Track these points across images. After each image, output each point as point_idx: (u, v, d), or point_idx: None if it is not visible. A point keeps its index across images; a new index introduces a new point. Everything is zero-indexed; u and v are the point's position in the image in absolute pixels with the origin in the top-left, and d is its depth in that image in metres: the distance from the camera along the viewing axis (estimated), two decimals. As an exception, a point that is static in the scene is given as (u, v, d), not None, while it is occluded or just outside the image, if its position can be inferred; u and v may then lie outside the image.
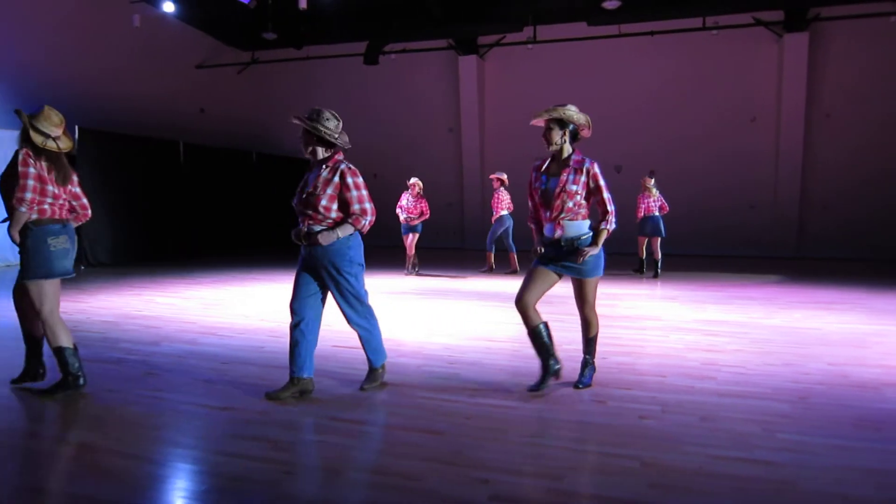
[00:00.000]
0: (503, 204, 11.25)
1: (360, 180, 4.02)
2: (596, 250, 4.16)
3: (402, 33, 15.53)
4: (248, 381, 4.55)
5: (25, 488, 2.90)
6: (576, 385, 4.38)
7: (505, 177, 11.39)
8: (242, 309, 7.60)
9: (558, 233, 4.20)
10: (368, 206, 4.00)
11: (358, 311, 4.21)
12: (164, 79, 16.05)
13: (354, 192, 3.97)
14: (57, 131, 4.26)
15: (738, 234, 15.55)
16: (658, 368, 4.92)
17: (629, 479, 2.98)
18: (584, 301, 4.40)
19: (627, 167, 16.26)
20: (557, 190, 4.17)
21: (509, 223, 11.29)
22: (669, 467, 3.10)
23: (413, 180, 10.95)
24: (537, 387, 4.29)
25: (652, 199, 11.11)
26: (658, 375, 4.72)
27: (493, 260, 11.67)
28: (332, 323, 6.68)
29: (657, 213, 11.07)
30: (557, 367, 4.36)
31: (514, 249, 11.43)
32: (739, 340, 5.93)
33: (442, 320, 6.98)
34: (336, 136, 4.05)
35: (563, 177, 4.18)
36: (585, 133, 4.26)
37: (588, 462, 3.17)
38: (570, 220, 4.18)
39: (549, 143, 4.22)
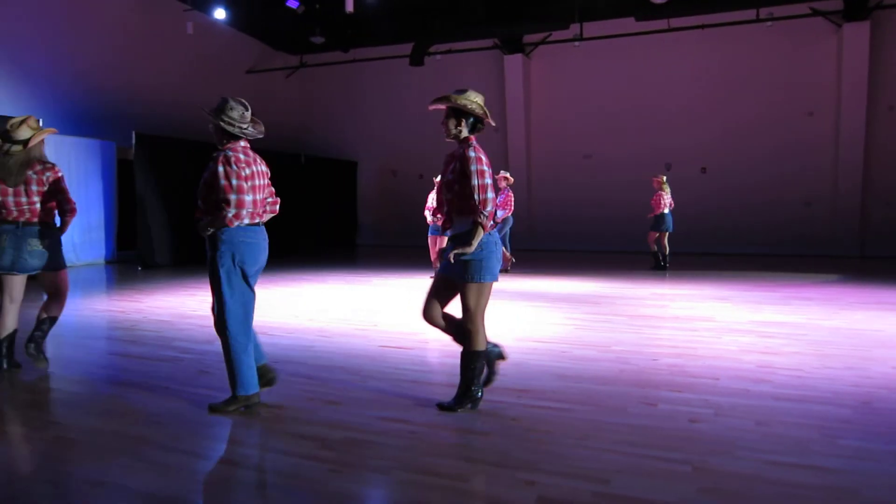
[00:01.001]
0: (510, 204, 11.25)
1: (232, 169, 3.71)
2: (468, 249, 3.65)
3: (447, 34, 15.56)
4: (298, 380, 4.62)
5: (86, 482, 3.01)
6: (439, 404, 3.96)
7: (509, 175, 11.39)
8: (292, 309, 7.73)
9: (447, 229, 3.94)
10: (232, 197, 3.67)
11: (221, 319, 3.85)
12: (216, 84, 16.44)
13: (222, 182, 3.69)
14: (13, 135, 4.52)
15: (794, 231, 15.04)
16: (711, 371, 4.80)
17: (679, 483, 2.91)
18: (462, 309, 3.86)
19: (677, 163, 15.94)
20: (442, 182, 3.90)
21: (511, 223, 11.44)
22: (722, 472, 3.02)
23: (439, 178, 10.75)
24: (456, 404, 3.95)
25: (668, 197, 11.86)
26: (711, 378, 4.60)
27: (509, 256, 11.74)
28: (378, 323, 6.76)
29: (668, 211, 11.84)
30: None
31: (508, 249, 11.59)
32: (797, 342, 5.73)
33: (488, 320, 6.94)
34: (241, 125, 3.86)
35: (448, 167, 3.88)
36: (488, 122, 3.95)
37: (636, 465, 3.11)
38: (456, 213, 3.83)
39: (446, 133, 3.92)
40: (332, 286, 9.92)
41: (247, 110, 3.94)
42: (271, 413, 3.93)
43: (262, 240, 3.98)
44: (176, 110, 14.87)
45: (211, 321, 6.26)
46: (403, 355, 5.39)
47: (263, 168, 4.02)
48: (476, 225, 3.66)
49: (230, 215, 3.70)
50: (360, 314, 7.33)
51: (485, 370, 4.00)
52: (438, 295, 3.95)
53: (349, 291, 9.26)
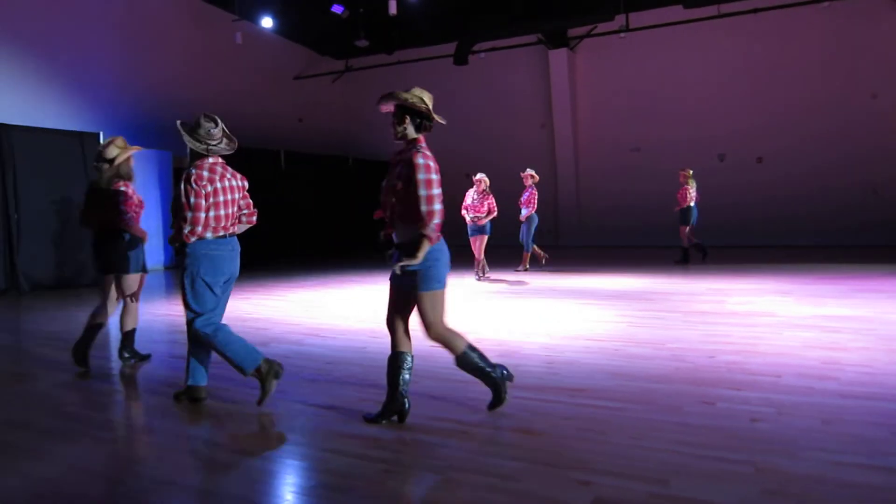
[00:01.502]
0: (534, 202, 10.97)
1: (192, 187, 3.91)
2: (414, 262, 3.50)
3: (490, 31, 15.50)
4: (351, 381, 4.68)
5: (153, 481, 3.10)
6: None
7: (535, 173, 11.12)
8: (343, 311, 7.82)
9: (392, 236, 3.76)
10: (189, 214, 3.89)
11: (189, 325, 4.08)
12: (266, 91, 16.81)
13: (182, 200, 3.93)
14: (103, 154, 5.21)
15: (859, 219, 14.36)
16: (772, 368, 4.64)
17: (741, 484, 2.83)
18: (421, 321, 3.73)
19: (732, 153, 15.51)
20: (387, 185, 3.69)
21: (536, 221, 11.16)
22: (786, 473, 2.92)
23: (479, 176, 10.22)
24: (376, 418, 3.72)
25: (693, 190, 11.96)
26: (772, 375, 4.46)
27: (540, 251, 11.57)
28: (430, 323, 6.78)
29: (694, 203, 11.97)
30: (407, 406, 3.75)
31: (530, 249, 11.31)
32: (865, 337, 5.50)
33: (539, 319, 6.91)
34: (209, 143, 4.05)
35: (394, 170, 3.67)
36: (437, 120, 3.72)
37: (695, 466, 3.03)
38: (398, 219, 3.65)
39: (393, 134, 3.71)
40: (381, 287, 9.96)
41: (215, 126, 4.07)
42: (326, 413, 3.98)
43: (229, 251, 4.12)
44: (227, 118, 15.24)
45: (265, 325, 6.42)
46: (454, 355, 5.38)
47: (236, 182, 4.19)
48: (422, 237, 3.49)
49: (186, 231, 3.92)
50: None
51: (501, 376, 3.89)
52: (398, 305, 3.82)
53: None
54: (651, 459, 3.12)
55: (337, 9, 14.22)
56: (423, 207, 3.48)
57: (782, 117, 14.98)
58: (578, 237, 16.84)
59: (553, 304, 7.79)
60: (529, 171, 11.06)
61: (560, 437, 3.46)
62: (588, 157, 17.08)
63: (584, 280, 10.06)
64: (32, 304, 9.02)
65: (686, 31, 15.01)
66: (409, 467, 3.18)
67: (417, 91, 3.69)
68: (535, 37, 16.47)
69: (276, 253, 14.64)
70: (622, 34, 14.74)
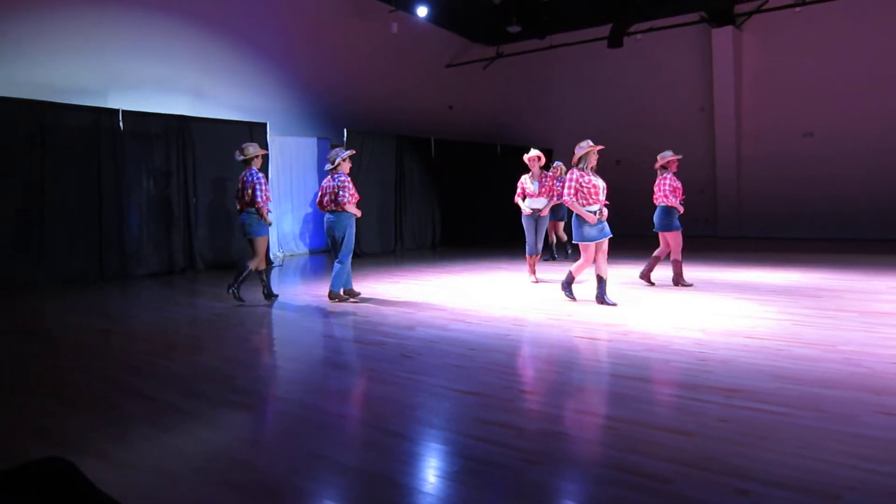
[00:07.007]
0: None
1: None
2: None
3: (648, 11, 14.79)
4: (495, 368, 4.69)
5: (308, 454, 3.30)
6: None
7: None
8: (487, 298, 7.87)
9: None
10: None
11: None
12: (418, 80, 17.25)
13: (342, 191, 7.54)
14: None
15: None
16: (970, 379, 4.07)
17: (931, 510, 2.50)
18: None
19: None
20: None
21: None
22: None
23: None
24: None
25: None
26: (970, 388, 3.91)
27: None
28: (574, 313, 6.65)
29: None
30: None
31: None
32: None
33: (692, 313, 6.54)
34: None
35: None
36: None
37: (874, 483, 2.72)
38: None
39: None
40: (526, 274, 9.94)
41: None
42: (470, 399, 4.03)
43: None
44: (381, 106, 15.86)
45: (412, 308, 6.60)
46: (601, 347, 5.24)
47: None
48: None
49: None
50: (555, 303, 7.27)
51: None
52: None
53: (544, 280, 9.22)
54: (820, 471, 2.85)
55: (489, -5, 14.25)
56: None
57: None
58: (737, 227, 15.76)
59: (707, 298, 7.34)
60: (536, 156, 9.29)
61: (715, 440, 3.26)
62: (752, 141, 15.89)
63: (743, 273, 9.38)
64: (205, 281, 9.93)
65: (874, 2, 13.43)
66: (553, 460, 3.13)
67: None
68: (697, 15, 15.51)
69: (424, 239, 15.05)
70: (797, 8, 13.48)
